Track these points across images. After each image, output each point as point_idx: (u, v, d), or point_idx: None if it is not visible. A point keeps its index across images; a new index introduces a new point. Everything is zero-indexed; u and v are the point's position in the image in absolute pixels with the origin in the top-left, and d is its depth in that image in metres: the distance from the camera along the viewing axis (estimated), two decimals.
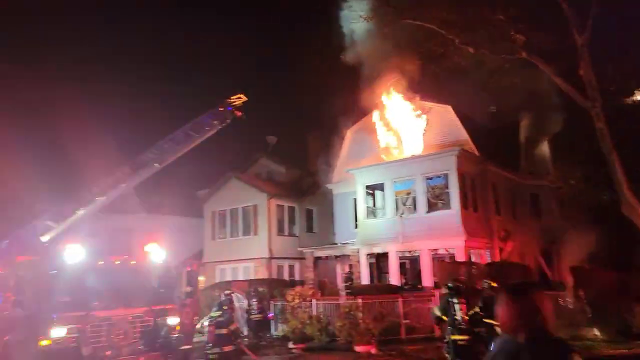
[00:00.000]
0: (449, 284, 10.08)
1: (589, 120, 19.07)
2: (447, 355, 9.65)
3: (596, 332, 16.41)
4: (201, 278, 25.91)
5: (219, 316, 10.91)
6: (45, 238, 13.60)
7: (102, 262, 9.91)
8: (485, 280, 9.84)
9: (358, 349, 14.08)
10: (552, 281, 22.59)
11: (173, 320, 10.04)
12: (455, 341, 9.34)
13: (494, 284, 9.35)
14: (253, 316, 17.35)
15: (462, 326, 9.37)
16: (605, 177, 20.10)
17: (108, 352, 8.88)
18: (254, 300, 17.68)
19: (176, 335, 9.72)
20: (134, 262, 10.40)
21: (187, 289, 10.80)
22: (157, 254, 10.47)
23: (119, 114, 51.04)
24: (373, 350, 13.81)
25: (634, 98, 21.53)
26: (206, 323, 11.06)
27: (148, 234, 28.10)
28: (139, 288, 10.20)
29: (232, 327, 12.63)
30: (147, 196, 30.51)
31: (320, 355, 14.09)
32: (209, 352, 10.40)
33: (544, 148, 27.20)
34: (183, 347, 9.74)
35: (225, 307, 14.14)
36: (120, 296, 9.67)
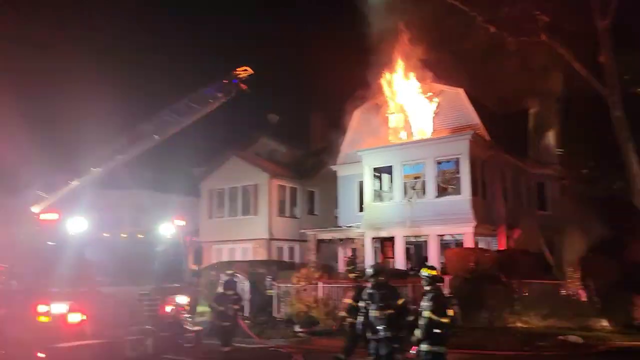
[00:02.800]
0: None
1: (601, 109, 18.62)
2: None
3: (605, 323, 16.14)
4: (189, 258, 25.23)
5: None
6: (36, 209, 12.87)
7: (108, 235, 9.15)
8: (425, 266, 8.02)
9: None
10: (555, 271, 22.32)
11: (183, 300, 9.37)
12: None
13: (434, 273, 7.57)
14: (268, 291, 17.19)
15: None
16: (615, 168, 19.74)
17: (114, 331, 8.17)
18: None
19: (186, 315, 9.04)
20: (142, 236, 9.66)
21: (193, 267, 10.08)
22: (166, 228, 9.73)
23: (118, 82, 49.54)
24: None
25: None
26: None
27: (140, 210, 27.29)
28: (146, 264, 9.48)
29: (236, 307, 12.30)
30: (139, 172, 29.63)
31: (329, 340, 13.53)
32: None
33: (551, 137, 26.78)
34: (194, 328, 9.07)
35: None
36: (126, 272, 8.94)
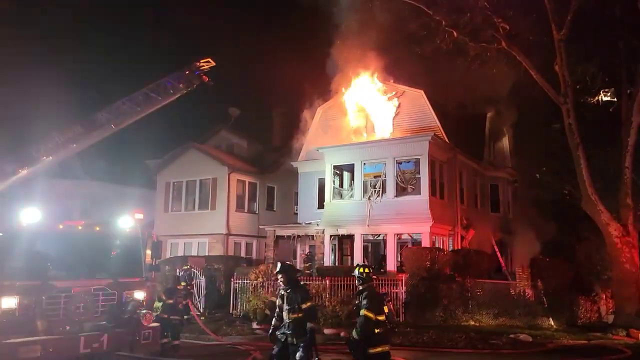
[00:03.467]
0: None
1: (554, 116, 19.38)
2: None
3: (551, 322, 16.80)
4: (148, 252, 24.57)
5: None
6: None
7: (62, 227, 8.72)
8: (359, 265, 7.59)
9: (327, 331, 13.63)
10: (505, 271, 23.14)
11: (140, 295, 9.05)
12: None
13: (367, 271, 7.28)
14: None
15: None
16: (566, 173, 20.61)
17: (67, 327, 7.80)
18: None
19: (144, 311, 8.74)
20: (99, 228, 9.26)
21: (148, 261, 9.75)
22: (124, 221, 9.37)
23: (74, 68, 47.53)
24: (342, 333, 13.37)
25: (598, 98, 22.10)
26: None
27: (92, 202, 26.19)
28: (103, 257, 9.11)
29: (185, 302, 12.30)
30: (92, 162, 28.54)
31: None
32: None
33: (506, 141, 27.71)
34: (151, 325, 8.78)
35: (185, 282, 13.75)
36: (82, 265, 8.55)
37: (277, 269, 7.79)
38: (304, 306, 7.40)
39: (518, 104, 23.61)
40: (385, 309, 7.20)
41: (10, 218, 8.32)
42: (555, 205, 24.47)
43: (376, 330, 6.68)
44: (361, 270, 7.23)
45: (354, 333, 6.77)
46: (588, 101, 21.74)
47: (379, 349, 6.73)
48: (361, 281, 7.15)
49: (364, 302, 6.83)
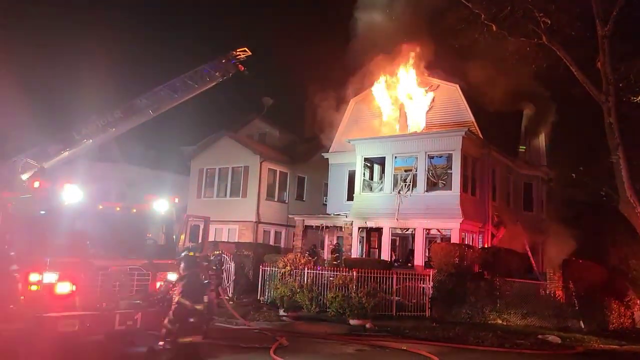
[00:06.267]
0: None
1: (593, 114, 18.79)
2: None
3: (582, 325, 16.45)
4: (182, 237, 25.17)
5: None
6: (25, 176, 12.70)
7: (102, 207, 9.05)
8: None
9: (353, 322, 13.72)
10: (536, 271, 22.72)
11: (173, 276, 9.32)
12: None
13: (192, 255, 7.12)
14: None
15: None
16: (603, 174, 19.99)
17: (103, 304, 8.13)
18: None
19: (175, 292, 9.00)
20: (135, 210, 9.58)
21: (189, 244, 9.99)
22: (159, 204, 9.66)
23: (117, 54, 48.78)
24: (368, 325, 13.47)
25: None
26: None
27: (129, 185, 26.93)
28: (139, 239, 9.43)
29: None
30: (130, 146, 29.34)
31: (314, 325, 13.63)
32: None
33: (542, 139, 27.06)
34: None
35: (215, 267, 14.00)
36: (118, 245, 8.88)
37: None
38: None
39: (556, 101, 23.01)
40: (206, 298, 6.86)
41: (54, 197, 8.63)
42: (590, 207, 23.81)
43: (190, 320, 6.36)
44: (189, 254, 7.01)
45: (166, 321, 6.47)
46: (631, 100, 21.00)
47: (189, 339, 6.40)
48: (186, 266, 6.87)
49: (182, 289, 6.56)
